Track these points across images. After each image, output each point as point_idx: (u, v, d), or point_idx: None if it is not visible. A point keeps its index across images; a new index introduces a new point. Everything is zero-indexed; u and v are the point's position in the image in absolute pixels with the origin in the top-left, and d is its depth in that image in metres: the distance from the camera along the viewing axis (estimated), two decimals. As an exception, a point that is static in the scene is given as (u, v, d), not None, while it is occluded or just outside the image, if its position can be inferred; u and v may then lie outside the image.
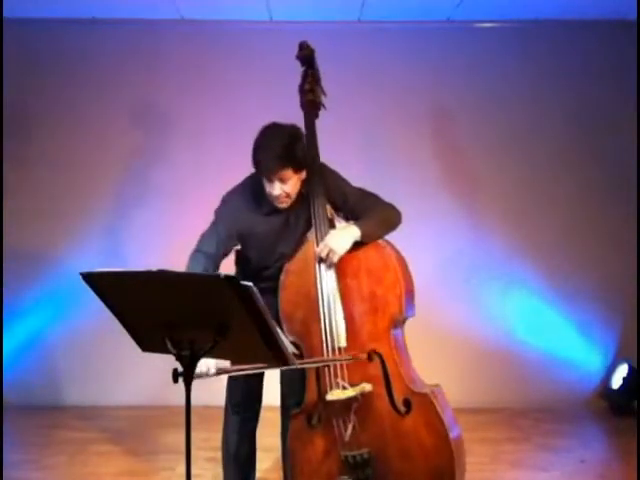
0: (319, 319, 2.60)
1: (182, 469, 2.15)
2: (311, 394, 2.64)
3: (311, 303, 2.63)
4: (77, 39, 4.85)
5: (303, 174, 2.68)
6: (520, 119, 4.90)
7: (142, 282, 1.96)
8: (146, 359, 2.37)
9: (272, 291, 2.69)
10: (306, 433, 2.64)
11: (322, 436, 2.62)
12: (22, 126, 4.81)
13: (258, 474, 3.08)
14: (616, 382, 4.75)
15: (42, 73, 4.85)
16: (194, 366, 1.97)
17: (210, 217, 2.78)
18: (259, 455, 3.01)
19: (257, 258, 2.81)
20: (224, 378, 2.74)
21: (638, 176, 4.72)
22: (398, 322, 2.64)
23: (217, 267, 2.74)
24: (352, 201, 2.76)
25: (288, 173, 2.59)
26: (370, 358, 2.57)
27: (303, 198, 2.72)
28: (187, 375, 1.96)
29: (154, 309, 1.98)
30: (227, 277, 1.84)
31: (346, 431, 2.54)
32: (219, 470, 3.00)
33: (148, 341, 2.10)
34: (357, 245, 2.62)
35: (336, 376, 2.57)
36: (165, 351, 2.00)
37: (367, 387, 2.55)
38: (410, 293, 2.66)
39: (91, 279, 1.97)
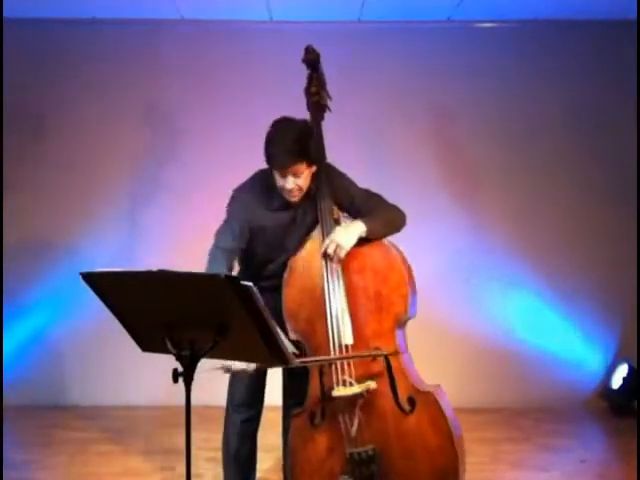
0: (325, 316, 2.61)
1: (182, 469, 2.15)
2: (314, 392, 2.64)
3: (316, 300, 2.64)
4: (77, 39, 4.85)
5: (314, 168, 2.70)
6: (520, 119, 4.90)
7: (142, 282, 1.96)
8: (146, 359, 2.37)
9: (273, 290, 2.69)
10: (308, 432, 2.64)
11: (326, 434, 2.61)
12: (22, 126, 4.80)
13: (258, 474, 3.08)
14: (616, 382, 4.75)
15: (42, 73, 4.85)
16: (194, 366, 1.97)
17: (217, 215, 2.80)
18: (259, 455, 3.01)
19: (263, 253, 2.82)
20: (225, 378, 2.74)
21: (638, 176, 4.72)
22: (402, 322, 2.65)
23: (235, 260, 2.79)
24: (358, 202, 2.78)
25: (301, 167, 2.61)
26: (380, 356, 2.57)
27: (311, 196, 2.74)
28: (187, 375, 1.96)
29: (154, 309, 1.99)
30: (227, 277, 1.85)
31: (352, 427, 2.54)
32: (219, 470, 3.00)
33: (148, 341, 2.11)
34: (361, 243, 2.63)
35: (343, 372, 2.58)
36: (165, 351, 2.01)
37: (372, 384, 2.56)
38: (414, 294, 2.68)
39: (91, 279, 1.98)
